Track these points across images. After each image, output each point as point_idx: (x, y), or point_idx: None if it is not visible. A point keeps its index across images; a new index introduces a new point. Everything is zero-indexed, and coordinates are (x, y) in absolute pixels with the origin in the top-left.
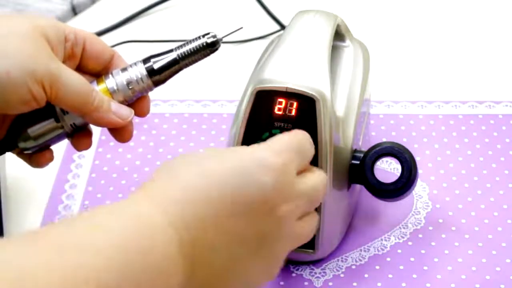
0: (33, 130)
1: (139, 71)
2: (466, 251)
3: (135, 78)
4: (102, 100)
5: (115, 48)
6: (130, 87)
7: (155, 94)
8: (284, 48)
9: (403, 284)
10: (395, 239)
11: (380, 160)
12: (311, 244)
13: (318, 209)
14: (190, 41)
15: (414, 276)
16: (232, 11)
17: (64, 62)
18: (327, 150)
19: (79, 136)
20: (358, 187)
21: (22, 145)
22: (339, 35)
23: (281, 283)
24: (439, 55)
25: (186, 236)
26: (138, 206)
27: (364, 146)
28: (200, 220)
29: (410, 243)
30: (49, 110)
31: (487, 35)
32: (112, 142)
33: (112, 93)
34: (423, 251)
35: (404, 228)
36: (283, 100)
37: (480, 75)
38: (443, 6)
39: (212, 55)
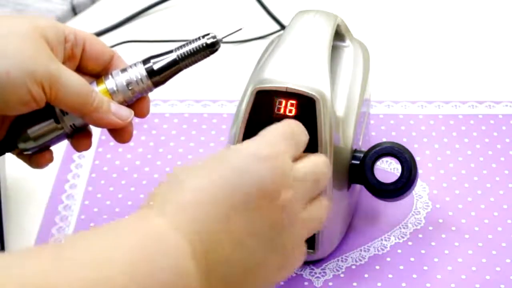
0: (33, 131)
1: (139, 72)
2: (466, 251)
3: (134, 79)
4: (102, 101)
5: (115, 48)
6: (129, 88)
7: (155, 94)
8: (284, 48)
9: (403, 284)
10: (395, 239)
11: (380, 160)
12: (311, 244)
13: None
14: (190, 42)
15: (414, 276)
16: (232, 11)
17: (63, 62)
18: (327, 150)
19: (79, 136)
20: (358, 187)
21: (22, 145)
22: (339, 35)
23: (281, 283)
24: (439, 55)
25: (198, 244)
26: (148, 222)
27: (364, 146)
28: (209, 226)
29: (410, 243)
30: (48, 111)
31: (487, 35)
32: (112, 142)
33: (111, 94)
34: (423, 251)
35: (404, 228)
36: (283, 100)
37: (480, 75)
38: (443, 6)
39: (212, 55)
